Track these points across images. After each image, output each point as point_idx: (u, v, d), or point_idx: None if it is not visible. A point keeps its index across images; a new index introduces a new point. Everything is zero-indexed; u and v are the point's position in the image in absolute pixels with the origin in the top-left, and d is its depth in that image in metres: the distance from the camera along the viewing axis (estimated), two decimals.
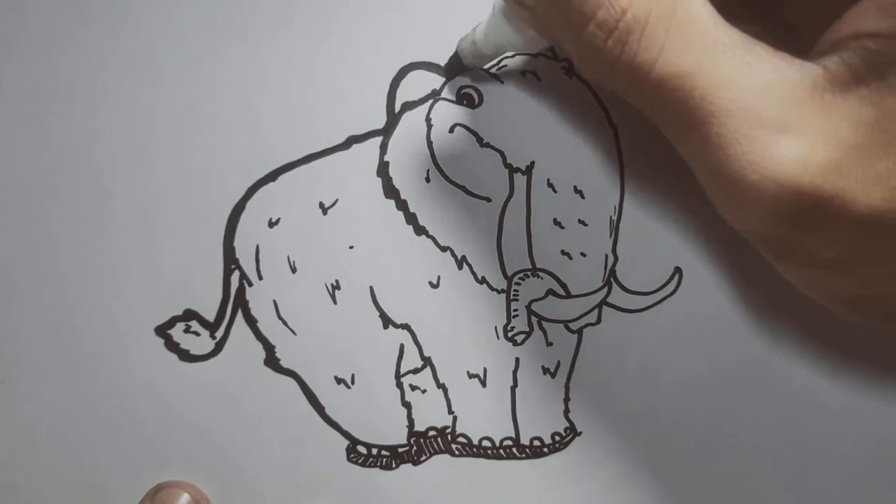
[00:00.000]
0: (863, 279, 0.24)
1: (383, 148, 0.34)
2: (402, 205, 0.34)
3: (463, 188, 0.33)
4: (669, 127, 0.25)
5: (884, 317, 0.26)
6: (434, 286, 0.33)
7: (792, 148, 0.23)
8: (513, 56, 0.34)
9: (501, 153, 0.33)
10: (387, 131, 0.34)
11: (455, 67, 0.33)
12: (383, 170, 0.34)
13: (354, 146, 0.34)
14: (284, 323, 0.34)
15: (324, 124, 0.34)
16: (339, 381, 0.33)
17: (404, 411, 0.33)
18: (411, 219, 0.33)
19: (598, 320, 0.33)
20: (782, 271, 0.26)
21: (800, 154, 0.23)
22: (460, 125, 0.33)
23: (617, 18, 0.23)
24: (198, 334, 0.33)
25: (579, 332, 0.33)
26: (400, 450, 0.34)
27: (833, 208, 0.23)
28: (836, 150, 0.22)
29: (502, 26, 0.29)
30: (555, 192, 0.33)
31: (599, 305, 0.33)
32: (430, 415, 0.33)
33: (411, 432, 0.33)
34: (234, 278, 0.34)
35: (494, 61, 0.33)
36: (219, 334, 0.33)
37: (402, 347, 0.34)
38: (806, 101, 0.23)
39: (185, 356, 0.33)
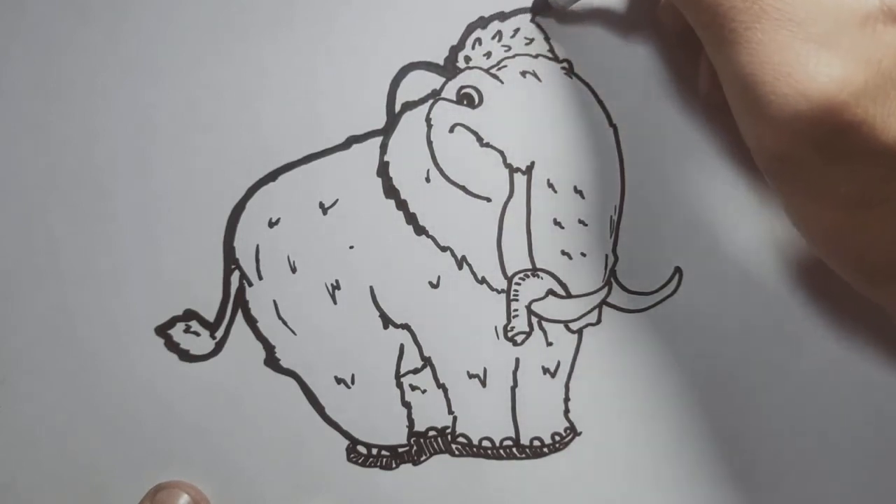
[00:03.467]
0: (876, 221, 0.24)
1: (383, 148, 0.34)
2: (402, 205, 0.34)
3: (463, 188, 0.33)
4: (710, 29, 0.25)
5: (882, 276, 0.26)
6: (434, 286, 0.33)
7: (832, 67, 0.23)
8: (513, 57, 0.34)
9: (501, 153, 0.33)
10: (387, 131, 0.34)
11: (540, 7, 0.33)
12: (383, 170, 0.34)
13: (354, 146, 0.34)
14: (284, 323, 0.34)
15: (324, 124, 0.34)
16: (339, 381, 0.33)
17: (404, 411, 0.33)
18: (411, 219, 0.33)
19: (599, 320, 0.33)
20: (788, 206, 0.26)
21: (839, 74, 0.22)
22: (460, 125, 0.33)
23: None
24: (198, 334, 0.33)
25: (579, 332, 0.33)
26: (400, 450, 0.34)
27: (861, 135, 0.22)
28: (874, 78, 0.22)
29: None
30: (555, 192, 0.33)
31: (599, 305, 0.33)
32: (430, 415, 0.33)
33: (411, 432, 0.33)
34: (235, 278, 0.34)
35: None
36: (219, 334, 0.33)
37: (402, 347, 0.34)
38: (856, 26, 0.23)
39: (186, 356, 0.33)
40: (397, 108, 0.34)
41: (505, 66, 0.34)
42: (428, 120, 0.33)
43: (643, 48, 0.34)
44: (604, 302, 0.33)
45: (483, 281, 0.33)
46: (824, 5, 0.23)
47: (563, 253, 0.33)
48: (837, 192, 0.24)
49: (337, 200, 0.34)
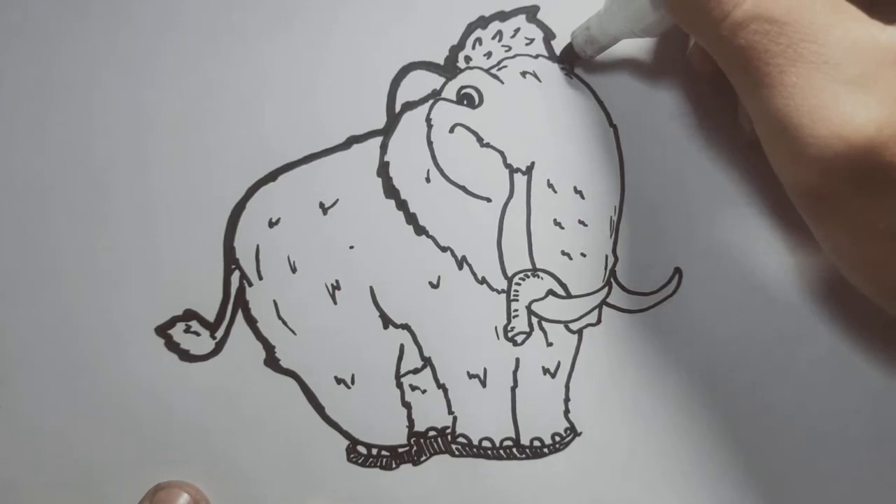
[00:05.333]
0: None
1: (383, 148, 0.34)
2: (402, 205, 0.34)
3: (463, 188, 0.33)
4: (743, 72, 0.25)
5: None
6: (434, 286, 0.33)
7: (869, 108, 0.23)
8: (514, 57, 0.34)
9: (502, 153, 0.33)
10: (387, 131, 0.34)
11: (568, 56, 0.33)
12: (383, 170, 0.34)
13: (355, 146, 0.34)
14: (284, 323, 0.33)
15: (324, 124, 0.34)
16: (339, 381, 0.33)
17: (404, 411, 0.33)
18: (411, 219, 0.33)
19: (599, 321, 0.33)
20: (825, 241, 0.26)
21: (875, 115, 0.23)
22: (461, 125, 0.33)
23: None
24: (198, 334, 0.33)
25: (579, 332, 0.33)
26: (400, 450, 0.34)
27: None
28: None
29: (618, 13, 0.30)
30: (555, 192, 0.33)
31: (600, 306, 0.33)
32: (430, 415, 0.33)
33: (411, 432, 0.33)
34: (235, 278, 0.34)
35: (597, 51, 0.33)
36: (219, 334, 0.33)
37: (402, 347, 0.34)
38: (891, 66, 0.23)
39: (186, 356, 0.33)
40: (397, 108, 0.34)
41: (505, 67, 0.34)
42: (428, 120, 0.33)
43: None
44: (604, 302, 0.33)
45: (483, 281, 0.33)
46: (859, 47, 0.23)
47: (563, 253, 0.33)
48: (876, 228, 0.24)
49: (337, 200, 0.34)
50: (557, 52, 0.34)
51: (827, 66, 0.23)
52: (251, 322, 0.34)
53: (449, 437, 0.33)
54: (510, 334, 0.33)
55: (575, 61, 0.33)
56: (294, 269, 0.34)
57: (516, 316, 0.33)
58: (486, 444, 0.33)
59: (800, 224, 0.28)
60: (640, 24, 0.30)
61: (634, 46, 0.33)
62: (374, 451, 0.33)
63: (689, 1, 0.25)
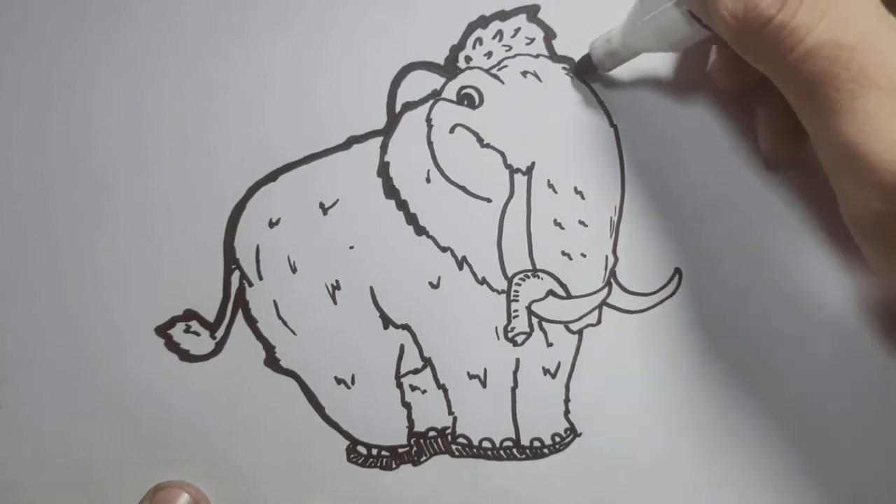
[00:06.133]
0: None
1: (384, 148, 0.34)
2: (402, 205, 0.34)
3: (463, 189, 0.33)
4: (811, 99, 0.24)
5: None
6: (434, 286, 0.33)
7: None
8: (514, 57, 0.34)
9: (502, 154, 0.33)
10: (387, 131, 0.34)
11: (585, 68, 0.33)
12: (384, 170, 0.34)
13: (355, 146, 0.34)
14: (284, 323, 0.33)
15: (324, 124, 0.34)
16: (339, 381, 0.33)
17: (404, 412, 0.33)
18: (412, 219, 0.33)
19: (599, 321, 0.33)
20: (886, 267, 0.26)
21: None
22: (461, 125, 0.33)
23: None
24: (198, 334, 0.33)
25: (580, 332, 0.33)
26: (400, 450, 0.33)
27: None
28: None
29: (644, 26, 0.29)
30: (555, 192, 0.33)
31: (600, 306, 0.33)
32: (430, 415, 0.33)
33: (411, 433, 0.33)
34: (235, 278, 0.34)
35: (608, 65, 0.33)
36: (219, 334, 0.33)
37: (402, 348, 0.33)
38: None
39: (186, 356, 0.33)
40: (398, 108, 0.34)
41: (506, 66, 0.33)
42: (428, 120, 0.33)
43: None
44: (604, 302, 0.33)
45: (483, 281, 0.33)
46: None
47: (564, 253, 0.33)
48: None
49: (337, 201, 0.34)
50: (558, 51, 0.34)
51: None
52: (251, 322, 0.34)
53: (449, 437, 0.33)
54: (510, 335, 0.33)
55: (592, 74, 0.33)
56: (294, 270, 0.34)
57: (516, 316, 0.33)
58: (486, 444, 0.33)
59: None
60: (669, 39, 0.29)
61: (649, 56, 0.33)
62: (374, 452, 0.33)
63: (759, 31, 0.24)
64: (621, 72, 0.33)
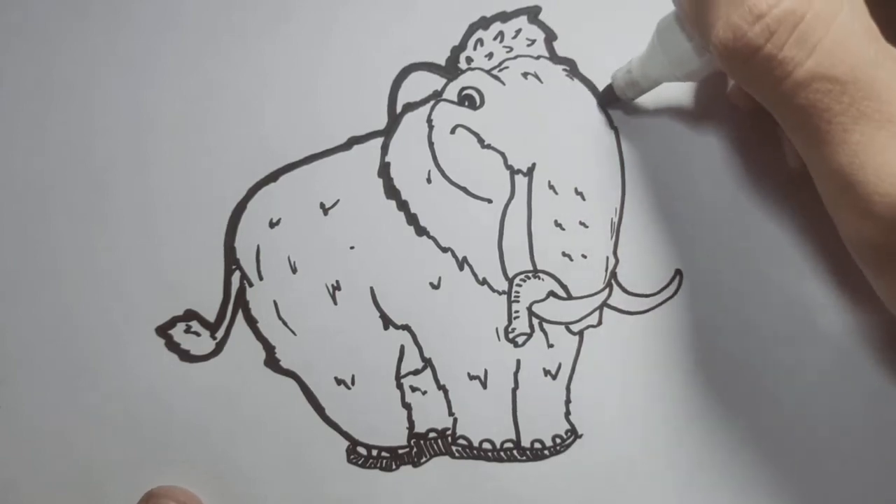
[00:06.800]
0: None
1: (384, 149, 0.34)
2: (403, 205, 0.33)
3: (464, 189, 0.33)
4: (804, 130, 0.25)
5: None
6: (435, 287, 0.33)
7: None
8: (515, 58, 0.33)
9: (503, 154, 0.33)
10: (388, 132, 0.34)
11: (608, 99, 0.33)
12: (384, 171, 0.34)
13: (356, 147, 0.34)
14: (285, 323, 0.33)
15: (325, 125, 0.34)
16: (339, 381, 0.33)
17: (404, 412, 0.33)
18: (412, 220, 0.33)
19: (600, 322, 0.33)
20: (886, 289, 0.26)
21: None
22: (462, 126, 0.33)
23: (770, 5, 0.23)
24: (198, 334, 0.33)
25: (580, 334, 0.33)
26: (400, 451, 0.33)
27: None
28: None
29: (660, 57, 0.29)
30: (556, 193, 0.33)
31: (600, 307, 0.33)
32: (430, 416, 0.33)
33: (411, 434, 0.33)
34: (235, 279, 0.33)
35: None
36: (219, 334, 0.33)
37: (402, 348, 0.33)
38: None
39: (186, 356, 0.33)
40: (398, 108, 0.34)
41: (506, 68, 0.33)
42: (429, 121, 0.33)
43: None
44: (605, 304, 0.33)
45: (484, 282, 0.33)
46: None
47: (564, 254, 0.33)
48: None
49: (338, 201, 0.34)
50: (559, 53, 0.34)
51: (891, 125, 0.23)
52: (251, 322, 0.34)
53: (449, 438, 0.33)
54: (511, 335, 0.33)
55: (615, 103, 0.33)
56: (294, 270, 0.34)
57: (517, 317, 0.33)
58: (486, 445, 0.33)
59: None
60: (683, 70, 0.29)
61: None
62: (375, 453, 0.33)
63: (748, 60, 0.24)
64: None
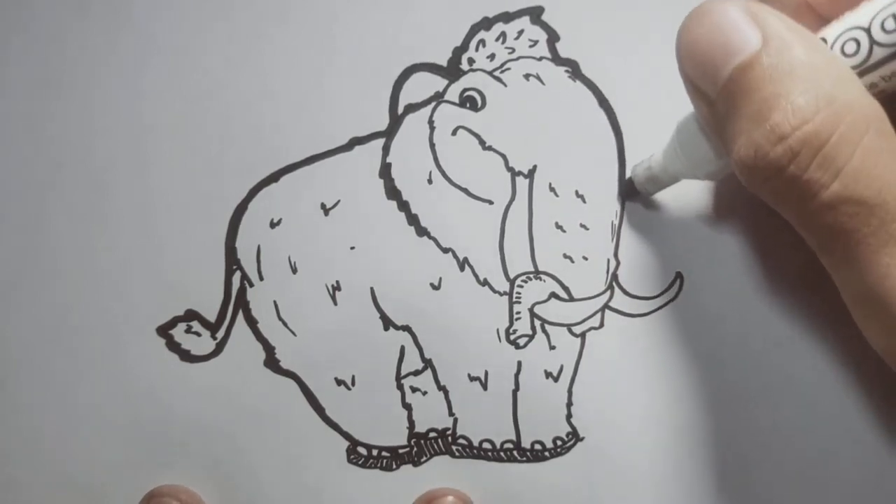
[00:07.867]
0: None
1: (386, 150, 0.33)
2: (404, 206, 0.33)
3: (465, 191, 0.33)
4: (828, 248, 0.24)
5: None
6: (435, 288, 0.33)
7: None
8: (517, 59, 0.33)
9: (504, 156, 0.33)
10: (389, 133, 0.34)
11: (628, 192, 0.33)
12: (385, 171, 0.33)
13: (357, 147, 0.34)
14: (285, 324, 0.33)
15: (326, 125, 0.33)
16: (339, 382, 0.33)
17: (405, 413, 0.34)
18: (413, 220, 0.33)
19: (601, 324, 0.33)
20: None
21: None
22: (463, 128, 0.33)
23: (794, 126, 0.22)
24: (199, 335, 0.33)
25: (582, 336, 0.33)
26: (400, 451, 0.34)
27: None
28: None
29: (680, 155, 0.29)
30: (557, 195, 0.33)
31: (602, 309, 0.33)
32: (430, 417, 0.33)
33: (412, 433, 0.34)
34: (236, 279, 0.33)
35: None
36: (220, 335, 0.33)
37: (402, 349, 0.34)
38: None
39: (186, 356, 0.33)
40: (400, 109, 0.33)
41: (508, 69, 0.33)
42: (430, 122, 0.33)
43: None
44: (606, 306, 0.33)
45: (485, 283, 0.33)
46: None
47: (566, 256, 0.33)
48: None
49: (339, 201, 0.34)
50: (561, 54, 0.33)
51: None
52: (252, 323, 0.34)
53: (449, 438, 0.34)
54: (512, 337, 0.33)
55: (635, 197, 0.33)
56: (295, 270, 0.33)
57: (518, 318, 0.33)
58: (486, 445, 0.33)
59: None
60: (702, 171, 0.29)
61: None
62: (375, 452, 0.34)
63: (770, 179, 0.23)
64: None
